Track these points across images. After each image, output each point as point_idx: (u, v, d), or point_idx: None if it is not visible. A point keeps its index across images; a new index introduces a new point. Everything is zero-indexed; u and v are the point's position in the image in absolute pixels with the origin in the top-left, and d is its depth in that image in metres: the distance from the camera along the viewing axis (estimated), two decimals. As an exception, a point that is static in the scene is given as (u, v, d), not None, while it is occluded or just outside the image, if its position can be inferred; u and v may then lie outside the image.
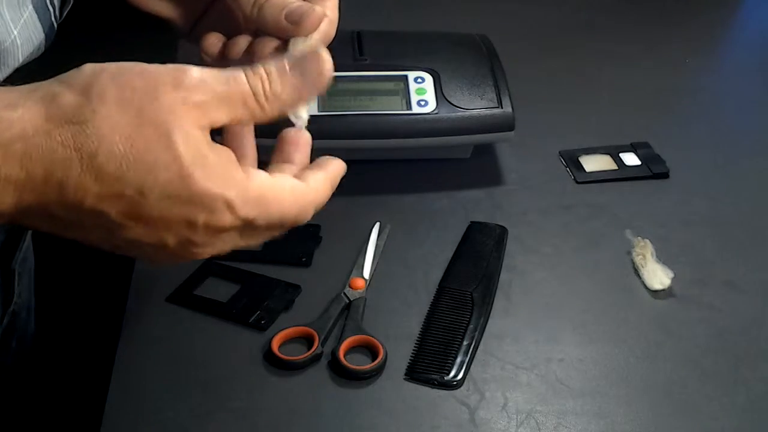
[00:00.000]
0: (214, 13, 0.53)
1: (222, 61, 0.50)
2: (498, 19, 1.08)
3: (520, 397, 0.60)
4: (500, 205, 0.79)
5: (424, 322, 0.66)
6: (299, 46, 0.47)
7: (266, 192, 0.42)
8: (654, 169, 0.83)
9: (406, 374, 0.62)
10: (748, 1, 1.25)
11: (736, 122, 0.95)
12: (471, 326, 0.65)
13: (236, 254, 0.69)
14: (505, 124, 0.79)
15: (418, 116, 0.77)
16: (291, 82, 0.42)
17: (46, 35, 0.55)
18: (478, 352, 0.64)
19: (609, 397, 0.61)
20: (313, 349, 0.62)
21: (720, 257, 0.74)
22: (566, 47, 1.07)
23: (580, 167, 0.84)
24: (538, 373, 0.62)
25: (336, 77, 0.78)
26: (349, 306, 0.66)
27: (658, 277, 0.70)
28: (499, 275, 0.71)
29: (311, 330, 0.63)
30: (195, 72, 0.40)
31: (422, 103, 0.78)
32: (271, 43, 0.47)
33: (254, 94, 0.41)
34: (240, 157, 0.43)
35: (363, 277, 0.69)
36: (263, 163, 0.46)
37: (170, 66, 0.40)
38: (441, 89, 0.79)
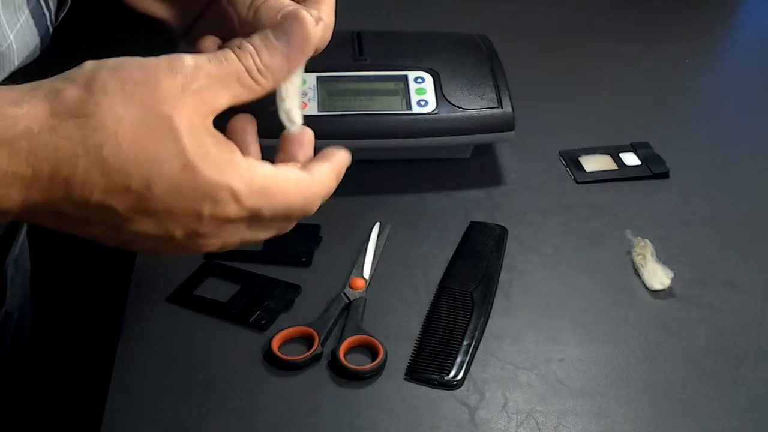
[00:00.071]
0: (210, 16, 0.53)
1: None
2: (498, 19, 1.08)
3: (520, 397, 0.60)
4: (500, 205, 0.79)
5: (424, 322, 0.66)
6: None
7: (271, 182, 0.42)
8: (654, 169, 0.83)
9: (406, 374, 0.62)
10: (748, 1, 1.25)
11: (736, 122, 0.95)
12: (471, 326, 0.65)
13: (236, 254, 0.70)
14: (505, 124, 0.79)
15: (418, 116, 0.77)
16: (279, 51, 0.42)
17: (42, 39, 0.55)
18: (478, 352, 0.64)
19: (609, 397, 0.61)
20: (313, 349, 0.62)
21: (720, 257, 0.74)
22: (566, 47, 1.07)
23: (580, 167, 0.84)
24: (538, 373, 0.62)
25: (336, 77, 0.79)
26: (349, 306, 0.66)
27: (658, 277, 0.70)
28: (499, 275, 0.71)
29: (311, 330, 0.63)
30: (189, 59, 0.40)
31: (422, 103, 0.78)
32: None
33: (247, 70, 0.41)
34: (243, 153, 0.43)
35: (363, 277, 0.69)
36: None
37: (164, 56, 0.40)
38: (441, 89, 0.79)
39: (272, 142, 0.47)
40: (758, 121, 0.96)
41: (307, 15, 0.43)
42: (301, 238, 0.73)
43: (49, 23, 0.56)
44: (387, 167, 0.82)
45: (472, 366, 0.62)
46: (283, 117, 0.45)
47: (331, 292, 0.68)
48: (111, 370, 0.61)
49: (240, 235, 0.43)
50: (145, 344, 0.63)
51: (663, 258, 0.71)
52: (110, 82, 0.38)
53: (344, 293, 0.67)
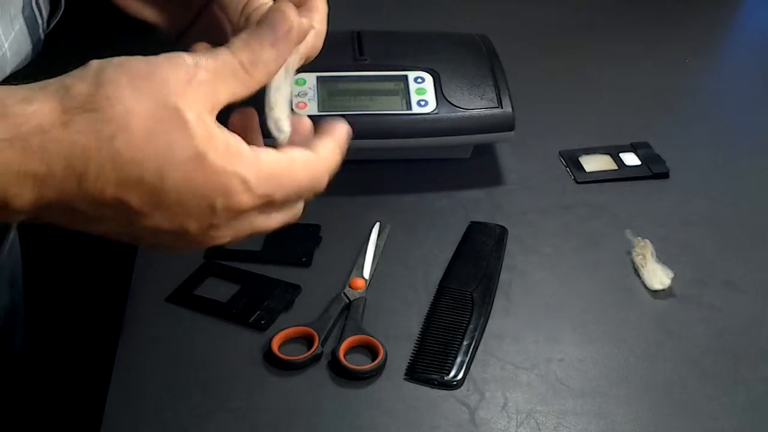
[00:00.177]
0: (203, 22, 0.53)
1: None
2: (498, 19, 1.08)
3: (520, 397, 0.60)
4: (500, 205, 0.79)
5: (424, 322, 0.66)
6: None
7: (279, 167, 0.42)
8: (654, 169, 0.83)
9: (406, 374, 0.62)
10: (748, 1, 1.25)
11: (736, 122, 0.95)
12: (471, 326, 0.65)
13: (236, 254, 0.70)
14: (505, 124, 0.79)
15: (418, 116, 0.77)
16: (267, 41, 0.42)
17: (34, 47, 0.56)
18: (478, 352, 0.64)
19: (609, 397, 0.61)
20: (313, 349, 0.62)
21: (720, 257, 0.74)
22: (566, 47, 1.07)
23: (580, 167, 0.84)
24: (538, 373, 0.62)
25: (336, 77, 0.79)
26: (349, 306, 0.66)
27: (658, 277, 0.70)
28: (499, 275, 0.71)
29: (311, 330, 0.63)
30: (187, 57, 0.41)
31: (422, 103, 0.78)
32: None
33: (240, 64, 0.41)
34: (248, 143, 0.43)
35: (363, 277, 0.69)
36: None
37: (164, 54, 0.40)
38: (441, 89, 0.79)
39: (272, 141, 0.47)
40: (758, 121, 0.96)
41: (288, 4, 0.43)
42: (301, 238, 0.73)
43: (41, 31, 0.56)
44: (387, 167, 0.82)
45: (472, 366, 0.62)
46: (271, 126, 0.45)
47: (331, 292, 0.68)
48: (111, 370, 0.61)
49: (251, 225, 0.43)
50: (145, 344, 0.63)
51: (663, 258, 0.71)
52: (118, 77, 0.39)
53: (344, 293, 0.67)
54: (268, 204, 0.42)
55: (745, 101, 1.00)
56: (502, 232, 0.75)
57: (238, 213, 0.41)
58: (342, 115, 0.75)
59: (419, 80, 0.80)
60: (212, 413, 0.58)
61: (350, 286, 0.68)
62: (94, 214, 0.40)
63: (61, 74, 0.40)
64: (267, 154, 0.42)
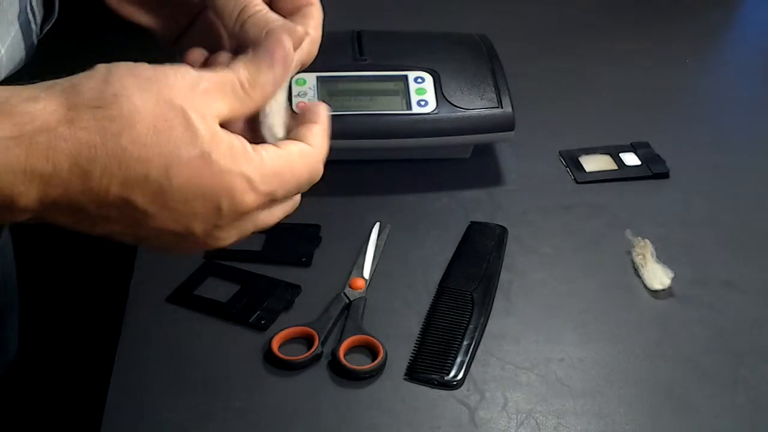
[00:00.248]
0: (198, 27, 0.54)
1: None
2: (498, 19, 1.08)
3: (520, 397, 0.60)
4: (500, 205, 0.79)
5: (424, 322, 0.66)
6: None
7: (280, 163, 0.43)
8: (654, 169, 0.83)
9: (406, 374, 0.62)
10: (748, 1, 1.25)
11: (736, 122, 0.95)
12: (471, 326, 0.65)
13: (236, 254, 0.70)
14: (505, 124, 0.79)
15: (418, 116, 0.77)
16: (265, 66, 0.43)
17: (27, 52, 0.56)
18: (478, 352, 0.64)
19: (609, 397, 0.61)
20: (313, 349, 0.62)
21: (720, 257, 0.74)
22: (566, 47, 1.07)
23: (580, 167, 0.84)
24: (538, 373, 0.62)
25: (336, 77, 0.79)
26: (349, 306, 0.66)
27: (658, 277, 0.70)
28: (499, 275, 0.71)
29: (311, 330, 0.63)
30: (191, 68, 0.41)
31: (422, 103, 0.78)
32: None
33: (240, 82, 0.42)
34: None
35: (363, 277, 0.69)
36: None
37: (168, 64, 0.41)
38: (441, 89, 0.79)
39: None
40: (758, 121, 0.96)
41: (285, 33, 0.44)
42: (301, 238, 0.73)
43: (34, 36, 0.56)
44: (387, 167, 0.82)
45: (472, 366, 0.62)
46: (265, 132, 0.46)
47: (331, 292, 0.68)
48: (111, 370, 0.61)
49: (254, 223, 0.44)
50: (145, 344, 0.63)
51: (663, 258, 0.71)
52: (126, 77, 0.39)
53: (344, 293, 0.67)
54: (272, 201, 0.43)
55: (745, 101, 1.00)
56: (502, 232, 0.75)
57: (242, 213, 0.42)
58: (342, 115, 0.76)
59: (419, 80, 0.80)
60: (212, 413, 0.58)
61: (350, 286, 0.68)
62: (99, 213, 0.40)
63: (53, 78, 0.40)
64: (268, 152, 0.43)
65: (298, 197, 0.46)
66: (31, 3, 0.55)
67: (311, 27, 0.48)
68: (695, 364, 0.63)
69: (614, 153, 0.86)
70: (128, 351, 0.62)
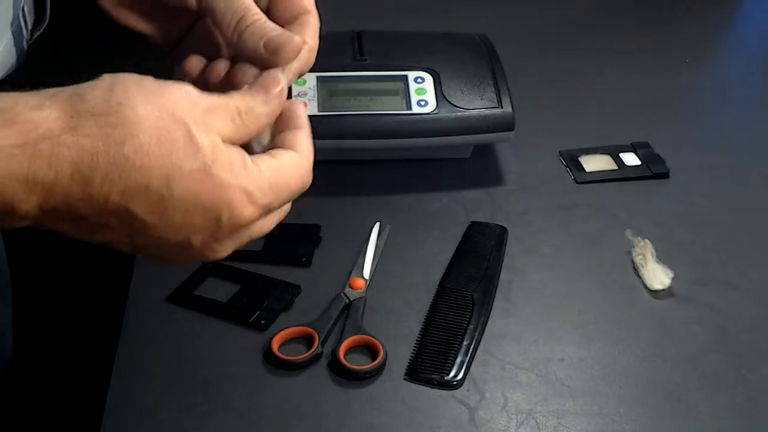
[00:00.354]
0: (196, 34, 0.54)
1: (201, 82, 0.50)
2: (498, 19, 1.08)
3: (520, 397, 0.60)
4: (500, 205, 0.79)
5: (424, 322, 0.66)
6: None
7: (275, 175, 0.43)
8: (654, 169, 0.83)
9: (406, 374, 0.62)
10: (748, 1, 1.25)
11: (736, 122, 0.95)
12: (471, 326, 0.65)
13: (236, 254, 0.70)
14: (505, 124, 0.79)
15: (418, 116, 0.77)
16: (260, 99, 0.44)
17: (18, 58, 0.56)
18: (478, 352, 0.64)
19: (609, 397, 0.61)
20: (313, 349, 0.62)
21: (720, 257, 0.74)
22: (566, 47, 1.07)
23: (580, 167, 0.84)
24: (538, 373, 0.62)
25: (336, 77, 0.79)
26: (349, 306, 0.66)
27: (658, 277, 0.70)
28: (499, 275, 0.71)
29: (311, 330, 0.63)
30: (192, 87, 0.42)
31: (422, 103, 0.78)
32: (251, 72, 0.47)
33: (237, 110, 0.43)
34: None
35: (363, 277, 0.69)
36: None
37: (171, 81, 0.42)
38: (441, 89, 0.79)
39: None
40: (758, 121, 0.96)
41: (281, 76, 0.45)
42: (301, 238, 0.73)
43: (25, 42, 0.56)
44: (387, 167, 0.82)
45: (472, 366, 0.62)
46: (253, 142, 0.46)
47: (331, 292, 0.68)
48: (111, 370, 0.61)
49: (250, 234, 0.44)
50: (145, 344, 0.63)
51: (663, 258, 0.71)
52: (130, 88, 0.39)
53: (344, 293, 0.67)
54: (267, 212, 0.43)
55: (745, 101, 1.00)
56: (502, 232, 0.75)
57: (240, 226, 0.42)
58: (342, 115, 0.76)
59: (419, 80, 0.80)
60: (212, 413, 0.58)
61: (350, 286, 0.68)
62: (98, 221, 0.40)
63: (49, 84, 0.40)
64: (264, 162, 0.43)
65: (289, 205, 0.46)
66: (23, 9, 0.55)
67: (308, 35, 0.48)
68: (695, 364, 0.63)
69: (614, 153, 0.86)
70: (128, 351, 0.62)
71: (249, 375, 0.61)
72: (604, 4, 1.18)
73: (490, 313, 0.67)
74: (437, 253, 0.73)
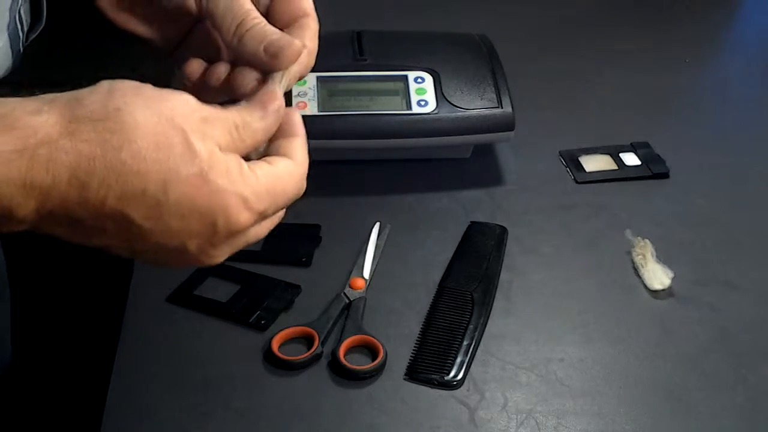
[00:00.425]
0: (196, 37, 0.54)
1: (202, 85, 0.50)
2: (498, 19, 1.08)
3: (520, 397, 0.60)
4: (500, 205, 0.79)
5: (424, 322, 0.66)
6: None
7: (271, 182, 0.43)
8: (654, 169, 0.83)
9: (406, 374, 0.62)
10: (748, 1, 1.25)
11: (736, 122, 0.95)
12: (471, 326, 0.65)
13: (236, 254, 0.70)
14: (505, 124, 0.79)
15: (418, 116, 0.77)
16: (257, 115, 0.44)
17: (14, 61, 0.56)
18: (478, 352, 0.64)
19: (609, 397, 0.61)
20: (313, 349, 0.62)
21: (720, 257, 0.74)
22: (566, 47, 1.07)
23: (580, 167, 0.84)
24: (538, 373, 0.62)
25: (336, 77, 0.79)
26: (349, 306, 0.66)
27: (658, 277, 0.70)
28: (499, 275, 0.71)
29: (311, 330, 0.63)
30: (191, 96, 0.42)
31: (422, 103, 0.78)
32: (251, 75, 0.47)
33: (234, 124, 0.43)
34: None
35: (363, 277, 0.69)
36: None
37: (170, 89, 0.42)
38: (441, 89, 0.79)
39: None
40: (758, 121, 0.96)
41: (279, 91, 0.45)
42: (301, 238, 0.73)
43: (21, 45, 0.56)
44: (387, 167, 0.82)
45: (472, 366, 0.62)
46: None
47: (331, 292, 0.68)
48: (111, 370, 0.61)
49: (246, 239, 0.44)
50: (145, 344, 0.63)
51: (663, 258, 0.71)
52: (129, 93, 0.39)
53: (344, 293, 0.67)
54: (263, 218, 0.44)
55: (745, 101, 1.00)
56: (502, 232, 0.75)
57: (236, 232, 0.42)
58: (342, 115, 0.76)
59: (419, 80, 0.80)
60: (212, 413, 0.58)
61: (350, 286, 0.68)
62: (95, 225, 0.40)
63: (46, 87, 0.40)
64: (260, 169, 0.43)
65: (283, 211, 0.46)
66: (19, 11, 0.55)
67: (307, 38, 0.48)
68: (695, 364, 0.63)
69: (614, 153, 0.86)
70: (128, 351, 0.62)
71: (249, 375, 0.61)
72: (604, 4, 1.18)
73: (490, 313, 0.67)
74: (437, 253, 0.73)
